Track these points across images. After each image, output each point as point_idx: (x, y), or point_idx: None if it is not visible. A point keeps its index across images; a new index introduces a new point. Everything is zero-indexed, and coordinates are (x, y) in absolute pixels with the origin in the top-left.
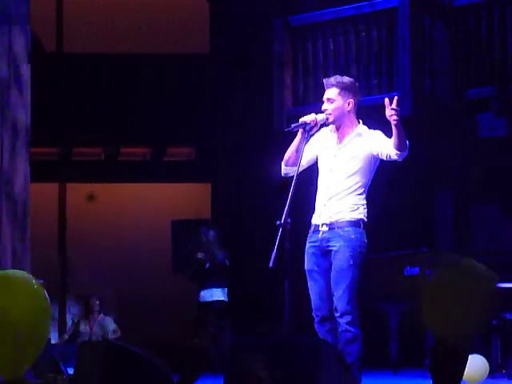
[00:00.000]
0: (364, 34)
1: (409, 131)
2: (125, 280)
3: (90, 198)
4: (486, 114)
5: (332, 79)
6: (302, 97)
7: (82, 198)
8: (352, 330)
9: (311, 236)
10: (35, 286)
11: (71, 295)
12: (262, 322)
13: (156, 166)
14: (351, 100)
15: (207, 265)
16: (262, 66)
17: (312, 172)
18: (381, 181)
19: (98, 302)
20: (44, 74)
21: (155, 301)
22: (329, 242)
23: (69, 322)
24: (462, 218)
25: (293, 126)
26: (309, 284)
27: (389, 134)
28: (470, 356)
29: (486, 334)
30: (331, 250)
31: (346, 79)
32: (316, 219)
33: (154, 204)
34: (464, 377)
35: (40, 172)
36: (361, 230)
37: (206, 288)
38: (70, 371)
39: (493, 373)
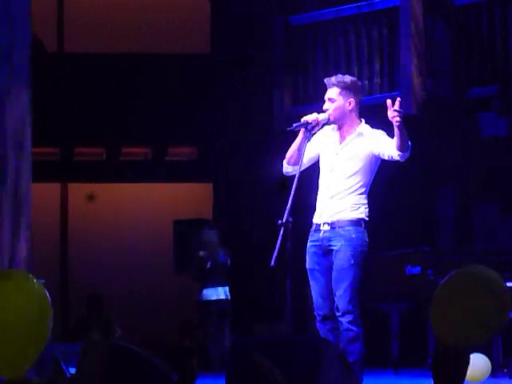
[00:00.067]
0: (365, 33)
1: (410, 131)
2: (126, 280)
3: (90, 197)
4: (487, 113)
5: (333, 79)
6: (303, 96)
7: (83, 198)
8: (354, 329)
9: (312, 235)
10: (36, 286)
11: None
12: (262, 322)
13: (157, 166)
14: (352, 99)
15: (209, 264)
16: (262, 65)
17: (313, 171)
18: (382, 180)
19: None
20: (45, 74)
21: (155, 301)
22: (330, 241)
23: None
24: (463, 217)
25: (294, 125)
26: (310, 283)
27: (391, 134)
28: (471, 355)
29: None
30: (332, 250)
31: (348, 78)
32: (317, 218)
33: (155, 204)
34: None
35: (42, 172)
36: (362, 229)
37: (208, 287)
38: (72, 371)
39: (494, 372)
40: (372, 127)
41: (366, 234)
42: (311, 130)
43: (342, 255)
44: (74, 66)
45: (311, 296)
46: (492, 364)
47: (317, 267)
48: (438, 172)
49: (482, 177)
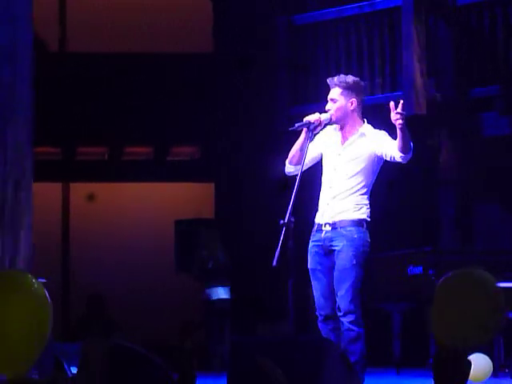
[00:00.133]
0: (367, 33)
1: (412, 130)
2: (128, 279)
3: (90, 197)
4: (490, 112)
5: (335, 79)
6: (305, 96)
7: (84, 198)
8: (355, 329)
9: (314, 235)
10: (36, 286)
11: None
12: (264, 323)
13: (159, 166)
14: (354, 100)
15: (210, 264)
16: (264, 65)
17: (315, 171)
18: (383, 180)
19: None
20: (47, 73)
21: (157, 300)
22: (332, 241)
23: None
24: (465, 217)
25: (297, 125)
26: (312, 283)
27: (393, 135)
28: (473, 355)
29: None
30: (334, 250)
31: (350, 79)
32: (319, 218)
33: (157, 203)
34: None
35: (43, 172)
36: (364, 229)
37: (210, 287)
38: (74, 370)
39: (496, 372)
40: (374, 127)
41: (368, 235)
42: (313, 129)
43: (344, 255)
44: (76, 66)
45: (313, 296)
46: (493, 364)
47: (318, 267)
48: (439, 172)
49: (484, 177)
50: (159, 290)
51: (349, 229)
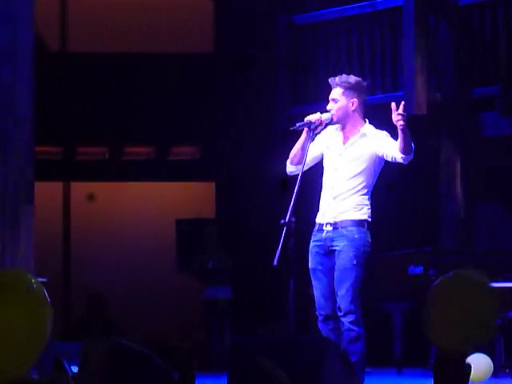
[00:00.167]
0: (368, 33)
1: (412, 130)
2: (129, 279)
3: (90, 197)
4: (490, 112)
5: (337, 79)
6: (305, 96)
7: (86, 198)
8: (355, 329)
9: (315, 235)
10: (35, 286)
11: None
12: (264, 323)
13: (160, 166)
14: (355, 100)
15: (210, 264)
16: (265, 65)
17: (317, 171)
18: (384, 180)
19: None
20: (48, 73)
21: (158, 299)
22: (333, 241)
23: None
24: (465, 217)
25: (298, 124)
26: (313, 283)
27: (394, 135)
28: (473, 355)
29: None
30: (335, 250)
31: (352, 79)
32: (320, 218)
33: (158, 203)
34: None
35: (44, 171)
36: (364, 229)
37: (211, 286)
38: (74, 370)
39: (496, 372)
40: (375, 127)
41: (369, 235)
42: (314, 129)
43: (345, 255)
44: (77, 66)
45: (313, 296)
46: (494, 364)
47: (319, 267)
48: (440, 171)
49: (484, 177)
50: (159, 290)
51: (350, 229)
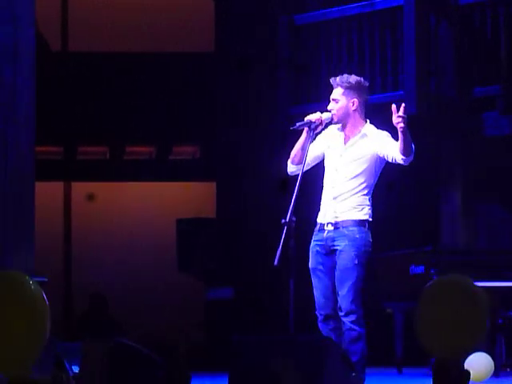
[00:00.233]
0: (369, 32)
1: (414, 130)
2: (130, 278)
3: (90, 197)
4: (491, 112)
5: (338, 79)
6: (306, 96)
7: (85, 197)
8: (356, 328)
9: (316, 234)
10: (32, 287)
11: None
12: (265, 321)
13: (161, 165)
14: (356, 100)
15: (211, 264)
16: (265, 65)
17: (317, 170)
18: (385, 180)
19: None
20: (49, 73)
21: (159, 299)
22: (334, 241)
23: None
24: (466, 217)
25: (298, 124)
26: (313, 282)
27: (395, 135)
28: (474, 354)
29: (491, 333)
30: (336, 250)
31: (353, 79)
32: (321, 218)
33: (159, 203)
34: None
35: (45, 171)
36: (366, 229)
37: (211, 286)
38: (75, 369)
39: (497, 372)
40: (375, 127)
41: (370, 235)
42: (314, 129)
43: (346, 255)
44: (78, 65)
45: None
46: (495, 363)
47: (320, 267)
48: (441, 171)
49: (484, 177)
50: (159, 290)
51: (351, 229)
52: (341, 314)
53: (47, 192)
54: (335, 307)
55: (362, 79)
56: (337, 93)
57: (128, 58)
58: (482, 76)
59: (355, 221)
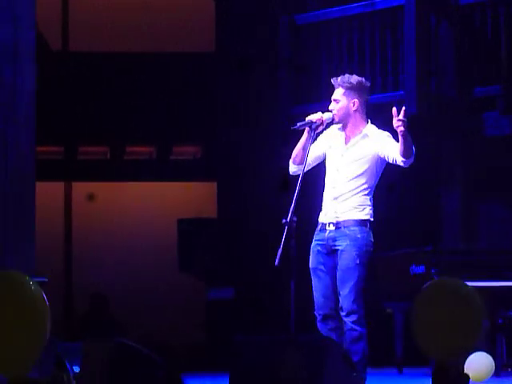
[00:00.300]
0: (369, 32)
1: (414, 130)
2: (131, 278)
3: (90, 197)
4: (491, 112)
5: (339, 79)
6: (307, 96)
7: (85, 198)
8: (358, 328)
9: (318, 234)
10: (32, 288)
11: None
12: (266, 321)
13: (162, 165)
14: (356, 100)
15: (211, 264)
16: (266, 65)
17: (319, 170)
18: (386, 180)
19: None
20: (50, 72)
21: (159, 299)
22: (335, 241)
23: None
24: (467, 216)
25: (299, 124)
26: (312, 282)
27: (396, 135)
28: (475, 354)
29: (491, 333)
30: (337, 250)
31: (354, 79)
32: (323, 218)
33: (160, 203)
34: (470, 375)
35: (46, 171)
36: (367, 229)
37: (212, 286)
38: (76, 369)
39: (498, 371)
40: (376, 126)
41: (372, 235)
42: (316, 129)
43: (347, 255)
44: (79, 65)
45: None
46: (496, 363)
47: (320, 266)
48: (442, 171)
49: (485, 177)
50: (160, 290)
51: (352, 228)
52: (342, 313)
53: (48, 192)
54: (334, 307)
55: (363, 79)
56: (338, 93)
57: (129, 57)
58: (483, 76)
59: (356, 220)
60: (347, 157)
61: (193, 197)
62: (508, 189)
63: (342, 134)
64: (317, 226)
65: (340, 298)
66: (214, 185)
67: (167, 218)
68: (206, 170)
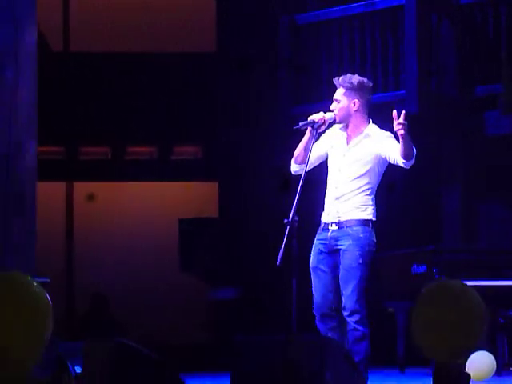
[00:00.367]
0: (370, 32)
1: (415, 129)
2: (132, 278)
3: (90, 197)
4: (492, 111)
5: (340, 79)
6: (307, 96)
7: (85, 198)
8: (360, 328)
9: (320, 233)
10: (34, 288)
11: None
12: (267, 321)
13: (163, 165)
14: (357, 100)
15: (213, 263)
16: (267, 65)
17: (320, 170)
18: (387, 180)
19: None
20: (50, 73)
21: (160, 299)
22: (337, 240)
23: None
24: (468, 216)
25: (301, 124)
26: (312, 281)
27: (397, 135)
28: (477, 353)
29: (493, 332)
30: (339, 249)
31: (355, 79)
32: (325, 217)
33: (161, 203)
34: (471, 374)
35: (47, 171)
36: (370, 228)
37: (213, 286)
38: (78, 369)
39: (499, 371)
40: (378, 126)
41: (374, 234)
42: (317, 128)
43: (350, 255)
44: (80, 65)
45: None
46: (497, 362)
47: (321, 266)
48: (443, 170)
49: (487, 175)
50: (161, 290)
51: (355, 228)
52: (345, 313)
53: (49, 192)
54: (333, 307)
55: (364, 80)
56: (339, 93)
57: (129, 58)
58: (484, 75)
59: (359, 220)
60: (349, 157)
61: (194, 197)
62: (508, 189)
63: (344, 134)
64: (319, 225)
65: (343, 298)
66: (215, 185)
67: (168, 217)
68: (207, 170)
